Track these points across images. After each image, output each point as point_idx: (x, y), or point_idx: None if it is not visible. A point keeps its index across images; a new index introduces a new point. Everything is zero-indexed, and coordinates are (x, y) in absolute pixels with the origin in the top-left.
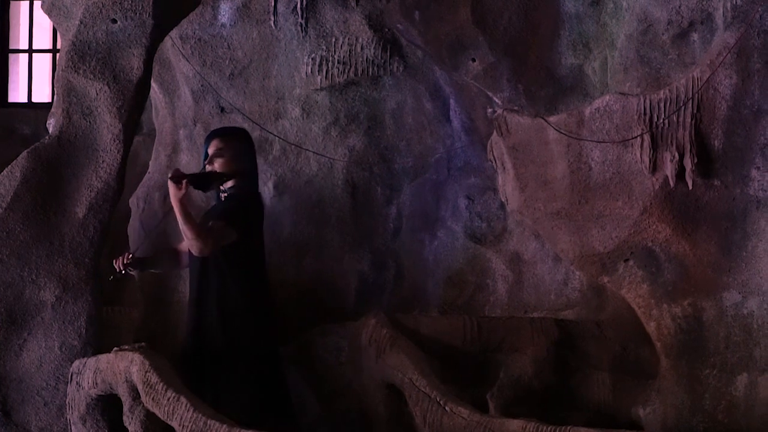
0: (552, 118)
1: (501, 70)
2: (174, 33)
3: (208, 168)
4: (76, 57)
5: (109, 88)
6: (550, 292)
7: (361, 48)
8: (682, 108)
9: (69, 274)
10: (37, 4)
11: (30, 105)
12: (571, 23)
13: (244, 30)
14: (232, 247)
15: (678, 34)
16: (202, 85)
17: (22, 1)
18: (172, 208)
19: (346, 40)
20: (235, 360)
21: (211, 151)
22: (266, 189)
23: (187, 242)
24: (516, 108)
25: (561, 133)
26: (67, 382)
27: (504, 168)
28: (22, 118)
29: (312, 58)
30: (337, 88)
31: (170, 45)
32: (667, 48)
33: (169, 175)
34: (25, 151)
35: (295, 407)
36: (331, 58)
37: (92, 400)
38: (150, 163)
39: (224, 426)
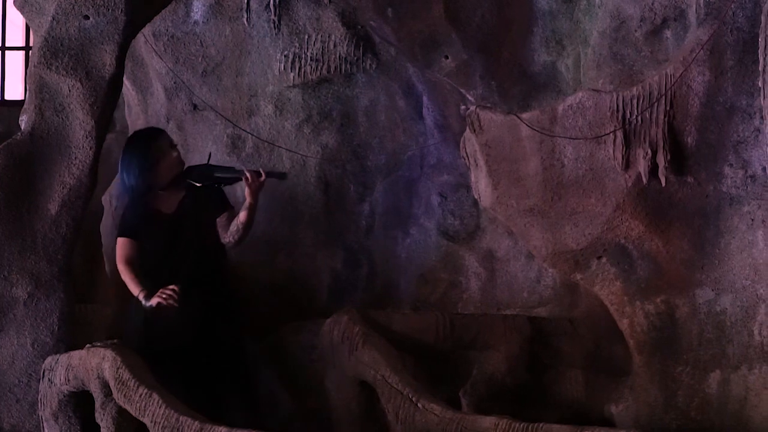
0: (525, 115)
1: (474, 67)
2: (147, 30)
3: (175, 154)
4: (48, 53)
5: (81, 84)
6: (523, 289)
7: (334, 45)
8: (655, 105)
9: (41, 270)
10: (9, 1)
11: (3, 102)
12: (545, 20)
13: (217, 27)
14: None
15: (651, 31)
16: (174, 82)
17: None
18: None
19: (319, 37)
20: (209, 353)
21: (170, 141)
22: (239, 186)
23: (244, 237)
24: (489, 105)
25: (534, 129)
26: (40, 379)
27: (477, 165)
28: None
29: (285, 56)
30: (310, 86)
31: (143, 42)
32: (640, 45)
33: (266, 173)
34: None
35: (260, 401)
36: (304, 56)
37: (64, 396)
38: None
39: (196, 422)
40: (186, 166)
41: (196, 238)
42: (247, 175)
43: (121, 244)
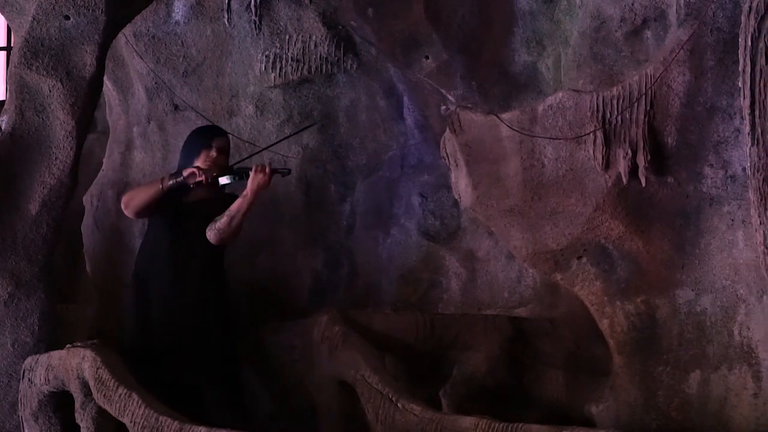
0: (505, 115)
1: (455, 68)
2: (127, 30)
3: (213, 156)
4: (29, 54)
5: (62, 84)
6: (503, 289)
7: (315, 45)
8: (635, 105)
9: (22, 270)
10: None
11: None
12: (525, 20)
13: (198, 27)
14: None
15: (631, 31)
16: (155, 83)
17: None
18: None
19: (300, 37)
20: (206, 352)
21: (218, 146)
22: None
23: (226, 230)
24: (469, 105)
25: (514, 129)
26: (20, 379)
27: (457, 165)
28: None
29: (266, 56)
30: (290, 86)
31: (124, 42)
32: (621, 45)
33: (270, 169)
34: None
35: (248, 402)
36: (284, 56)
37: (44, 396)
38: (104, 160)
39: (176, 422)
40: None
41: (201, 235)
42: (254, 167)
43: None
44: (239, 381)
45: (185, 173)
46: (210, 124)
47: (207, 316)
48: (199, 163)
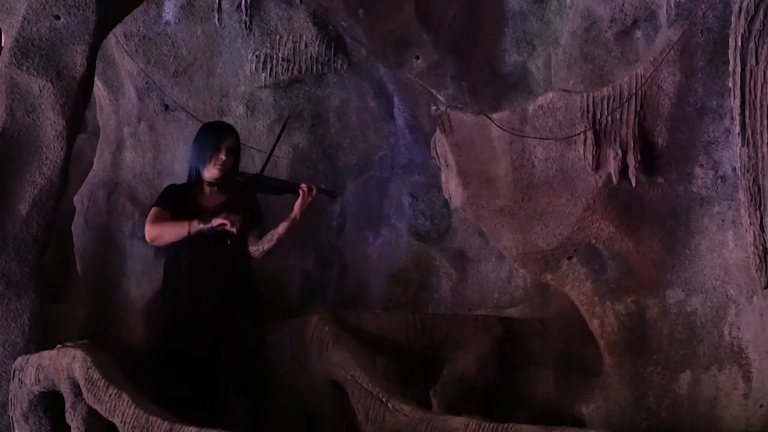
0: (495, 115)
1: (445, 68)
2: (118, 30)
3: (222, 159)
4: (19, 54)
5: (52, 84)
6: (493, 289)
7: (306, 46)
8: (626, 105)
9: (12, 271)
10: None
11: None
12: (516, 21)
13: (189, 28)
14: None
15: (621, 32)
16: (146, 83)
17: None
18: None
19: (291, 37)
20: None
21: (227, 147)
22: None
23: (274, 243)
24: (460, 105)
25: (504, 130)
26: (10, 379)
27: (447, 165)
28: None
29: (256, 56)
30: (281, 86)
31: (114, 42)
32: (611, 45)
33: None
34: None
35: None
36: (275, 56)
37: (35, 396)
38: (94, 160)
39: (166, 422)
40: (239, 171)
41: (225, 242)
42: (303, 187)
43: (153, 212)
44: (259, 386)
45: (215, 223)
46: (219, 122)
47: (244, 317)
48: (209, 166)
